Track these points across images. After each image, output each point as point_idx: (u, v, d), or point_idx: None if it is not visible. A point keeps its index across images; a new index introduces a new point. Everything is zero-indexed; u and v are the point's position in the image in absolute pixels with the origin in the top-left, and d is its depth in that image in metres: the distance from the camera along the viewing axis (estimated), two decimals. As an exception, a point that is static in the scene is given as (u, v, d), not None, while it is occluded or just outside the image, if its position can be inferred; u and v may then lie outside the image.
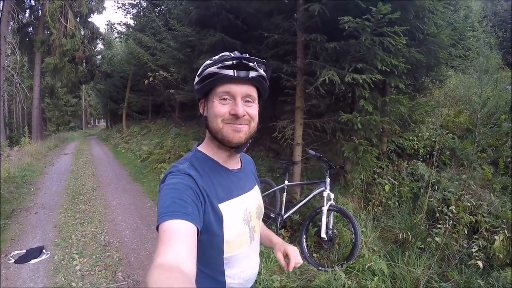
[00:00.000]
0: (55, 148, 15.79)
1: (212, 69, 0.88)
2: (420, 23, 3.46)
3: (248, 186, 1.07)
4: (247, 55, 0.92)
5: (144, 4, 14.96)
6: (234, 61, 0.87)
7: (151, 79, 9.27)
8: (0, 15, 12.94)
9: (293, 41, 3.78)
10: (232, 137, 0.91)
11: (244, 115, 0.90)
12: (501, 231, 3.10)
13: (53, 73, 16.48)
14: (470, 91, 5.84)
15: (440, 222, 3.33)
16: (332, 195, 3.30)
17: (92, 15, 18.99)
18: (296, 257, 1.09)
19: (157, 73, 9.09)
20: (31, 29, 17.66)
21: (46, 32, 15.68)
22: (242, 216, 0.98)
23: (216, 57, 0.93)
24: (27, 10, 17.40)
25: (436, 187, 3.88)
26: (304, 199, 3.53)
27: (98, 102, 29.41)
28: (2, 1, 13.63)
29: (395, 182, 4.04)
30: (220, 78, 0.88)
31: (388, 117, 3.56)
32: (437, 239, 3.03)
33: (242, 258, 0.99)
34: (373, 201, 3.86)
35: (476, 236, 3.14)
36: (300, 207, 3.57)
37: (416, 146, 4.83)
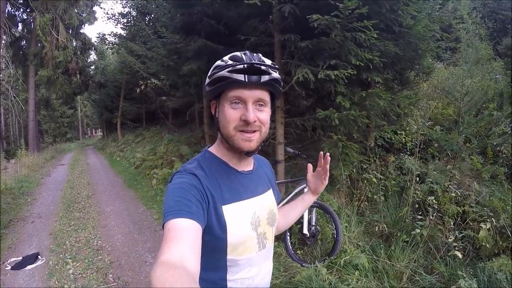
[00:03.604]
0: (52, 159, 15.88)
1: (223, 72, 0.85)
2: (395, 16, 3.44)
3: (261, 189, 1.02)
4: (260, 56, 0.89)
5: (133, 13, 14.99)
6: (245, 66, 0.83)
7: (143, 87, 9.37)
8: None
9: (270, 42, 3.81)
10: (243, 145, 0.88)
11: (255, 121, 0.86)
12: (488, 220, 3.07)
13: (47, 85, 16.50)
14: (458, 82, 5.84)
15: (426, 214, 3.30)
16: (314, 192, 3.29)
17: (83, 26, 18.99)
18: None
19: (149, 81, 9.16)
20: (24, 42, 17.70)
21: (38, 45, 15.66)
22: (250, 220, 0.94)
23: (227, 57, 0.89)
24: (20, 24, 17.39)
25: (423, 180, 3.86)
26: (287, 196, 3.54)
27: (94, 112, 29.43)
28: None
29: (380, 177, 4.04)
30: (231, 82, 0.84)
31: (366, 111, 3.56)
32: (418, 230, 3.00)
33: (247, 264, 0.93)
34: (358, 196, 3.86)
35: (460, 227, 3.11)
36: (283, 205, 3.56)
37: (404, 140, 4.84)
